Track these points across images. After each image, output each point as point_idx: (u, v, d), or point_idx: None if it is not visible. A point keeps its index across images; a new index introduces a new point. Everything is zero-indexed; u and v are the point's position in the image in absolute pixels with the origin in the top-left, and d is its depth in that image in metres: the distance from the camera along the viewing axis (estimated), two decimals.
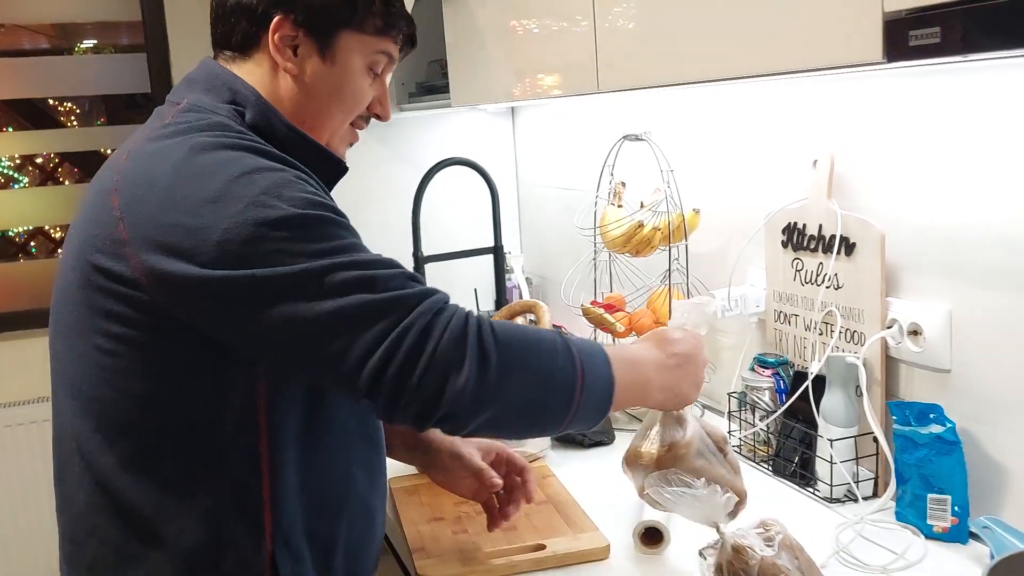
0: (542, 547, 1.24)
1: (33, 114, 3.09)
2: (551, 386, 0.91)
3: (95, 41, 3.05)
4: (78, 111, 3.18)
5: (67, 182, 3.11)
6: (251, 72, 1.04)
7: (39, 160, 3.07)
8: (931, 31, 0.78)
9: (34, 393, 2.71)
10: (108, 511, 0.97)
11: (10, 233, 3.05)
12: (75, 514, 1.00)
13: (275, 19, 1.01)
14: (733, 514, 1.09)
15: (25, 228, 3.07)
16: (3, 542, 2.67)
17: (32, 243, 3.10)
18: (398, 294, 0.86)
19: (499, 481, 1.22)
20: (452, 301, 0.91)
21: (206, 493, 0.95)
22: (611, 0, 1.34)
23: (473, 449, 1.25)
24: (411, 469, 1.57)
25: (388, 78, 1.12)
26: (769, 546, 1.03)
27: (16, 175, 3.07)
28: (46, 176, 3.10)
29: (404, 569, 1.31)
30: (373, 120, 1.15)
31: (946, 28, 0.76)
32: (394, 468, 1.59)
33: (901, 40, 0.81)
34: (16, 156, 3.04)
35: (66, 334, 0.98)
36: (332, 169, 1.07)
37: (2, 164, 3.04)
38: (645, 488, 1.10)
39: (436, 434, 1.24)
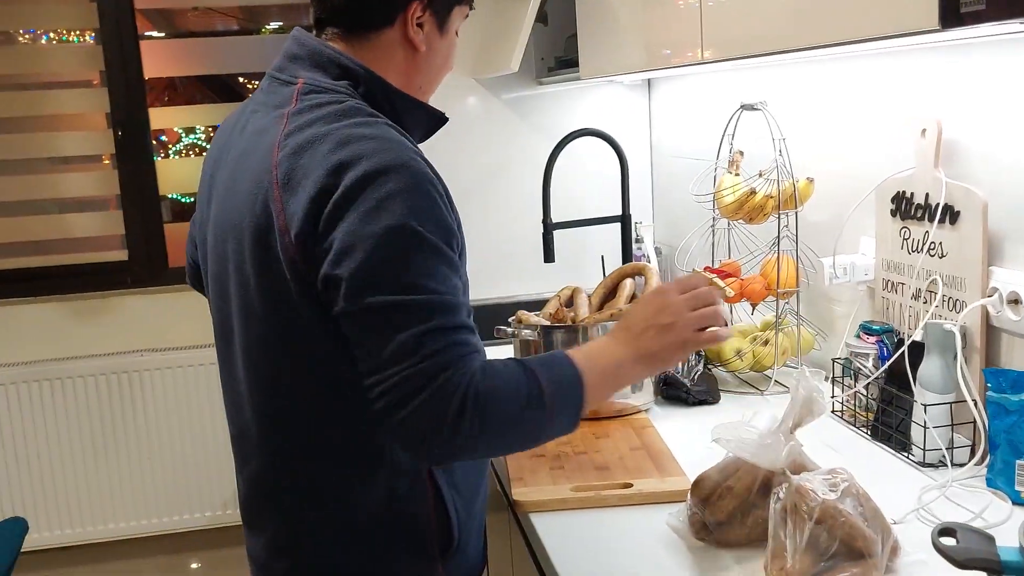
0: (629, 485, 1.35)
1: (223, 90, 3.45)
2: (520, 432, 1.03)
3: (281, 23, 3.36)
4: None
5: None
6: (371, 48, 1.14)
7: None
8: None
9: (200, 339, 3.05)
10: (288, 478, 1.14)
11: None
12: (255, 473, 1.18)
13: (413, 4, 1.12)
14: None
15: None
16: (183, 468, 3.03)
17: None
18: (425, 352, 0.96)
19: None
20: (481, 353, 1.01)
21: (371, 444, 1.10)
22: None
23: None
24: None
25: None
26: (832, 491, 1.08)
27: (208, 145, 3.44)
28: None
29: (506, 495, 1.45)
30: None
31: None
32: None
33: (953, 8, 0.84)
34: (209, 128, 3.41)
35: (246, 317, 1.11)
36: (436, 123, 1.22)
37: (197, 135, 3.42)
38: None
39: None
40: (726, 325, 1.11)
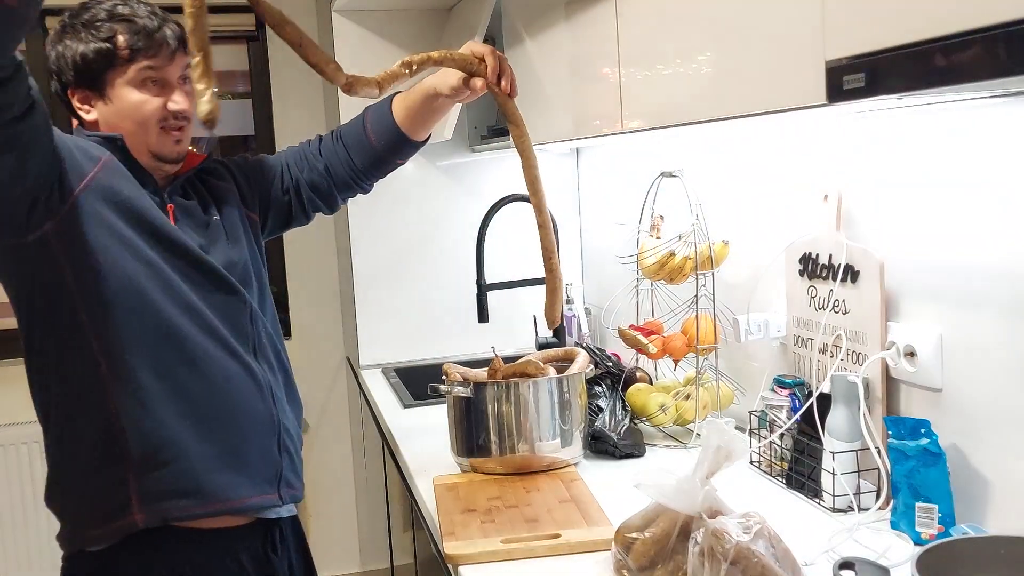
0: (557, 536, 1.39)
1: None
2: None
3: (216, 89, 3.39)
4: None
5: None
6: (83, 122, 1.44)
7: None
8: (858, 76, 0.91)
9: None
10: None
11: None
12: None
13: (68, 92, 1.41)
14: None
15: None
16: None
17: None
18: None
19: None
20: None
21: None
22: (629, 59, 1.52)
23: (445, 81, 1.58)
24: (455, 468, 1.74)
25: (175, 77, 1.43)
26: (746, 533, 1.15)
27: None
28: None
29: (438, 550, 1.48)
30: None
31: (869, 73, 0.90)
32: (441, 466, 1.77)
33: (837, 85, 0.95)
34: None
35: None
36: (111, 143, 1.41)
37: None
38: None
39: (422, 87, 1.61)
40: None
